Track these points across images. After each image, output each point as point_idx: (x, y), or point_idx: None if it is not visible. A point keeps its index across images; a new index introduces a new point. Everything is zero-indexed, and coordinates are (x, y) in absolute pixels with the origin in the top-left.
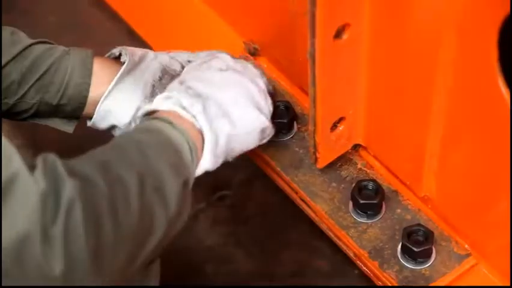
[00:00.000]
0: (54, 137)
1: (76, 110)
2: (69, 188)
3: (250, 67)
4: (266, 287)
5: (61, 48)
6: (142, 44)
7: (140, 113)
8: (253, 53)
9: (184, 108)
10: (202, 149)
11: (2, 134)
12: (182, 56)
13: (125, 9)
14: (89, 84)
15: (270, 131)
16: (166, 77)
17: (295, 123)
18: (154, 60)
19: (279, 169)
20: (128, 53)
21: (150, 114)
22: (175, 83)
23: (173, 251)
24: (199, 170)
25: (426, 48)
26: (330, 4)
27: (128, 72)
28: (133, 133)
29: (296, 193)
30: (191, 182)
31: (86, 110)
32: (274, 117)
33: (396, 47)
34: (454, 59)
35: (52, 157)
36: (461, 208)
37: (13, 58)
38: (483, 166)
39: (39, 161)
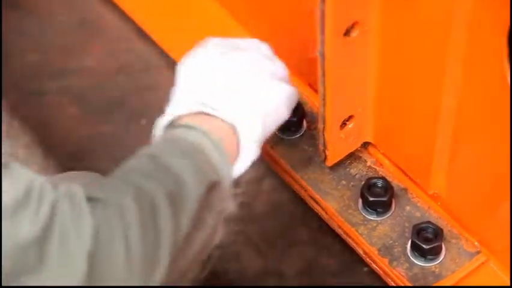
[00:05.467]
0: (64, 134)
1: None
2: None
3: (243, 40)
4: (275, 287)
5: None
6: (151, 42)
7: (159, 127)
8: None
9: (203, 104)
10: (237, 141)
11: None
12: None
13: (134, 9)
14: None
15: (295, 94)
16: None
17: (304, 121)
18: None
19: (288, 167)
20: None
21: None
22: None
23: None
24: (245, 163)
25: (436, 46)
26: (339, 2)
27: None
28: (150, 149)
29: (305, 191)
30: (223, 180)
31: None
32: None
33: (406, 45)
34: (464, 57)
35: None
36: (470, 205)
37: None
38: (492, 163)
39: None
